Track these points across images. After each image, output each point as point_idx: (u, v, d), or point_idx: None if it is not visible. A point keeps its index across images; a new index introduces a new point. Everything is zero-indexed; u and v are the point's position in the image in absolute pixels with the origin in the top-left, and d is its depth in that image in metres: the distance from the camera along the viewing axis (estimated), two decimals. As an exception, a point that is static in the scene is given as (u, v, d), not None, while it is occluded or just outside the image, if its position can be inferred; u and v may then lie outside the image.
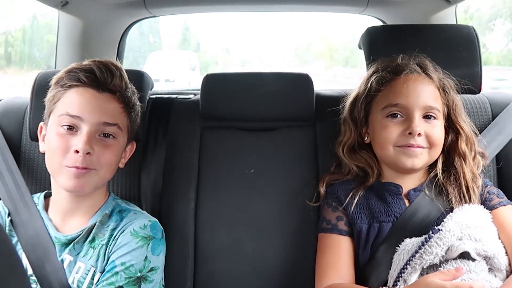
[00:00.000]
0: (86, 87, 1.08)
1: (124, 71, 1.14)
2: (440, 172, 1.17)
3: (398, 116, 1.14)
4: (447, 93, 1.19)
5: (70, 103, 1.08)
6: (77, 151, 1.04)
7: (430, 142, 1.13)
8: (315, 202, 1.26)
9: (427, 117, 1.14)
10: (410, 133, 1.11)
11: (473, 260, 1.01)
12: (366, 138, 1.22)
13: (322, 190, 1.24)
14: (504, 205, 1.15)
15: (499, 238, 1.09)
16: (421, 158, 1.13)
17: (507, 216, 1.13)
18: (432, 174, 1.18)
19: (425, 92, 1.15)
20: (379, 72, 1.20)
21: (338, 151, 1.25)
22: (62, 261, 1.09)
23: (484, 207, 1.13)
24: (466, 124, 1.19)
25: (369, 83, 1.20)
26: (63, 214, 1.13)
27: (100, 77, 1.08)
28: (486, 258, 1.03)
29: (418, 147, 1.12)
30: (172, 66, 9.13)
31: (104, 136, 1.09)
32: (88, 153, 1.05)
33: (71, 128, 1.06)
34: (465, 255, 1.02)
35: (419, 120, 1.12)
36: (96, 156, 1.06)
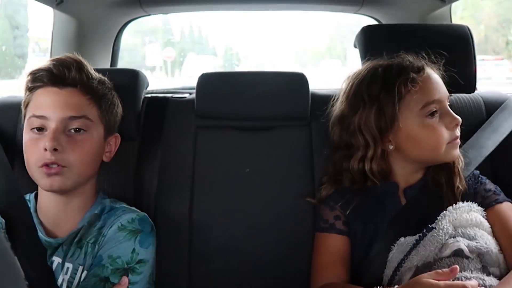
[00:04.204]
0: (48, 87, 1.08)
1: (84, 63, 1.12)
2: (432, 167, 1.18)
3: (435, 113, 1.12)
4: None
5: (36, 104, 1.08)
6: (45, 149, 1.03)
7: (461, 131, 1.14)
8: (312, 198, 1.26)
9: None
10: (456, 125, 1.11)
11: (467, 257, 1.02)
12: (391, 147, 1.15)
13: (324, 194, 1.22)
14: (500, 202, 1.15)
15: (495, 236, 1.09)
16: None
17: (503, 212, 1.13)
18: (426, 170, 1.19)
19: (441, 81, 1.16)
20: (401, 74, 1.13)
21: (363, 167, 1.15)
22: (51, 263, 1.08)
23: (480, 205, 1.14)
24: None
25: (396, 87, 1.11)
26: (52, 219, 1.12)
27: (56, 73, 1.08)
28: (480, 255, 1.03)
29: (458, 136, 1.13)
30: (201, 66, 10.85)
31: (74, 132, 1.08)
32: (55, 149, 1.03)
33: (40, 130, 1.06)
34: (459, 253, 1.02)
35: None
36: (66, 152, 1.05)
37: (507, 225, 1.11)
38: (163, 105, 1.45)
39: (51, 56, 1.84)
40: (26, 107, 1.11)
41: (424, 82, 1.13)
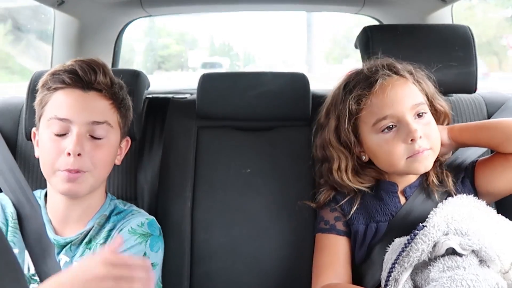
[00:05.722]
0: (71, 88, 1.08)
1: (108, 68, 1.13)
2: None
3: (392, 127, 1.09)
4: (420, 81, 1.15)
5: (58, 105, 1.07)
6: (69, 154, 1.03)
7: (431, 142, 1.10)
8: (312, 202, 1.26)
9: (418, 115, 1.10)
10: (412, 140, 1.07)
11: (461, 255, 0.99)
12: (364, 157, 1.17)
13: (322, 200, 1.21)
14: (476, 160, 1.19)
15: (498, 185, 1.12)
16: (429, 159, 1.10)
17: (485, 159, 1.17)
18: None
19: (406, 92, 1.11)
20: (353, 91, 1.14)
21: (342, 178, 1.16)
22: (59, 261, 1.09)
23: (471, 181, 1.16)
24: (441, 104, 1.18)
25: (348, 105, 1.13)
26: (61, 218, 1.12)
27: (83, 76, 1.07)
28: (475, 251, 1.02)
29: (423, 150, 1.08)
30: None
31: (95, 137, 1.08)
32: (79, 154, 1.04)
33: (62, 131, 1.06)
34: (454, 250, 1.01)
35: (414, 123, 1.08)
36: (88, 157, 1.06)
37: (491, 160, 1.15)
38: (164, 105, 1.45)
39: (52, 57, 1.84)
40: (43, 106, 1.10)
41: (375, 97, 1.11)
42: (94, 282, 0.81)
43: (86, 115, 1.06)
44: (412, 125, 1.07)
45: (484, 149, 1.24)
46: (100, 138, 1.09)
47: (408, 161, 1.09)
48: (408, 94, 1.11)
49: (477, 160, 1.19)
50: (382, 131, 1.10)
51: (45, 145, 1.08)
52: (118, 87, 1.14)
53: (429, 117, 1.12)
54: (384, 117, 1.09)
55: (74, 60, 1.11)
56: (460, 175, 1.18)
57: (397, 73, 1.14)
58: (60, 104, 1.07)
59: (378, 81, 1.11)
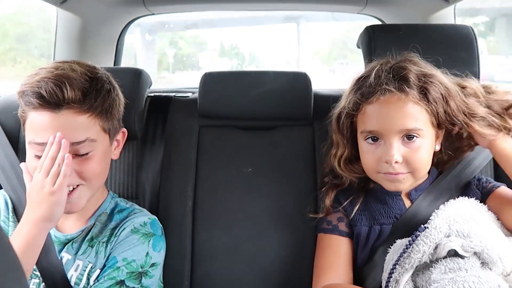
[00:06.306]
0: (42, 110, 0.99)
1: (79, 77, 1.01)
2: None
3: (377, 139, 1.08)
4: (431, 100, 1.05)
5: (33, 129, 1.01)
6: None
7: (411, 167, 1.07)
8: (314, 208, 1.26)
9: (409, 137, 1.05)
10: (387, 162, 1.06)
11: (463, 257, 0.99)
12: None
13: (328, 202, 1.20)
14: (498, 186, 1.15)
15: (504, 218, 1.09)
16: (404, 182, 1.09)
17: (506, 193, 1.13)
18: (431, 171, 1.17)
19: (399, 114, 1.05)
20: (352, 94, 1.12)
21: (334, 164, 1.19)
22: (61, 258, 1.09)
23: (482, 197, 1.14)
24: (462, 121, 1.08)
25: (347, 103, 1.13)
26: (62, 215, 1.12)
27: (49, 98, 0.97)
28: (477, 253, 1.01)
29: (398, 173, 1.07)
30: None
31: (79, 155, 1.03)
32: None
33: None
34: (456, 252, 1.01)
35: (397, 145, 1.05)
36: (77, 173, 1.03)
37: None
38: (166, 104, 1.45)
39: (54, 55, 1.84)
40: (23, 123, 1.05)
41: (367, 110, 1.09)
42: (40, 195, 0.98)
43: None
44: (393, 148, 1.05)
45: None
46: (85, 153, 1.03)
47: (380, 176, 1.10)
48: (401, 117, 1.05)
49: (498, 186, 1.15)
50: (366, 139, 1.10)
51: (32, 169, 1.03)
52: (94, 94, 1.02)
53: (421, 142, 1.07)
54: (370, 131, 1.09)
55: (41, 77, 0.99)
56: (472, 184, 1.17)
57: (402, 89, 1.05)
58: (36, 127, 1.00)
59: (376, 94, 1.07)
